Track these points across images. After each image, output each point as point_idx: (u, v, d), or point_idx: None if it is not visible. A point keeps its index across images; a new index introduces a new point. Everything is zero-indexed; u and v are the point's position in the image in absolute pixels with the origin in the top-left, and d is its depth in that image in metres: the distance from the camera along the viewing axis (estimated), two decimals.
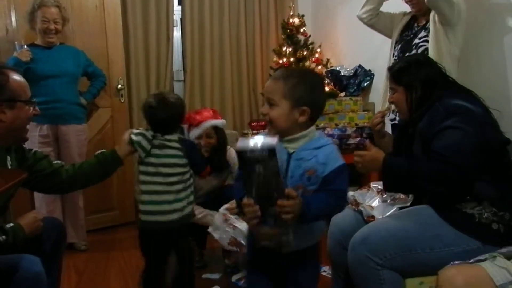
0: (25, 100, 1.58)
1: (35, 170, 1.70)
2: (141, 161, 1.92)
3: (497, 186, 1.46)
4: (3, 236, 1.45)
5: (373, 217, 1.63)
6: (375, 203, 1.69)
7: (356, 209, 1.74)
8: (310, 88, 1.34)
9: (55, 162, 1.83)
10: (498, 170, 1.49)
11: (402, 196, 1.69)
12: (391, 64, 1.97)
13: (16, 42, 2.74)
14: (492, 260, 1.20)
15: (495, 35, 2.24)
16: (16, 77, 1.57)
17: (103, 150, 1.92)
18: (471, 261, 1.26)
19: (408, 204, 1.63)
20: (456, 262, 1.24)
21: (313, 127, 1.38)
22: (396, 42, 2.38)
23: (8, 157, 1.58)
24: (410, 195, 1.65)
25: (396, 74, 1.69)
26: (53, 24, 2.78)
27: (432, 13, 2.14)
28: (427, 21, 2.23)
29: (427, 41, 2.16)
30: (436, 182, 1.43)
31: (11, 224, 1.51)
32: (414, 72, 1.64)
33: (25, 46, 2.72)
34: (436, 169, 1.42)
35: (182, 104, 1.98)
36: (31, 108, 1.61)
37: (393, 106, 1.78)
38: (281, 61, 3.55)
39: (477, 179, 1.44)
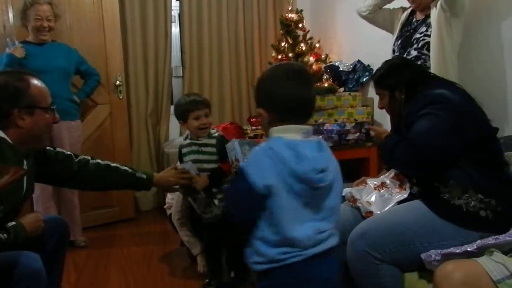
0: (44, 107, 1.56)
1: (57, 171, 1.75)
2: None
3: (481, 173, 1.47)
4: (5, 235, 1.44)
5: (371, 212, 1.64)
6: (373, 198, 1.69)
7: (353, 206, 1.74)
8: (263, 88, 1.24)
9: (81, 158, 1.84)
10: (483, 157, 1.50)
11: (398, 189, 1.70)
12: None
13: (8, 39, 2.73)
14: (489, 255, 1.21)
15: (493, 29, 2.23)
16: (37, 83, 1.56)
17: (146, 171, 1.93)
18: (458, 250, 1.28)
19: (405, 196, 1.64)
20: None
21: (276, 128, 1.20)
22: (397, 38, 2.37)
23: (25, 161, 1.56)
24: (407, 188, 1.66)
25: (378, 80, 1.77)
26: (46, 22, 2.76)
27: (434, 9, 2.14)
28: (427, 16, 2.22)
29: (427, 35, 2.15)
30: (404, 163, 1.57)
31: (13, 223, 1.51)
32: (395, 75, 1.71)
33: (17, 43, 2.70)
34: (404, 151, 1.53)
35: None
36: (51, 115, 1.60)
37: None
38: (279, 57, 3.54)
39: (455, 166, 1.47)
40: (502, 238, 1.27)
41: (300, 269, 1.14)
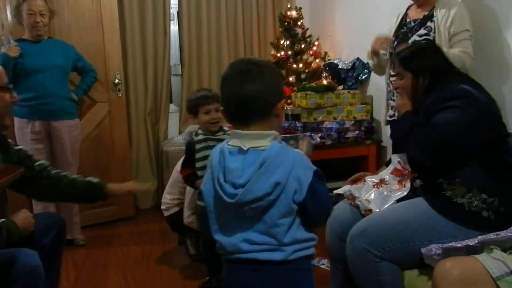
0: (2, 87, 1.55)
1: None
2: None
3: (489, 173, 1.46)
4: None
5: (370, 210, 1.63)
6: (372, 196, 1.69)
7: (352, 204, 1.74)
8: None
9: (39, 163, 1.79)
10: (493, 157, 1.48)
11: (397, 186, 1.69)
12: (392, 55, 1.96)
13: (3, 37, 2.71)
14: (489, 252, 1.20)
15: (491, 32, 2.23)
16: None
17: (98, 181, 1.86)
18: (459, 245, 1.27)
19: (405, 193, 1.63)
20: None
21: (230, 131, 1.21)
22: (393, 42, 2.37)
23: None
24: (407, 186, 1.65)
25: (405, 59, 1.67)
26: (39, 17, 2.70)
27: (438, 12, 2.15)
28: (425, 16, 2.22)
29: (427, 40, 2.15)
30: (417, 147, 1.51)
31: (2, 220, 1.50)
32: (423, 59, 1.64)
33: (12, 41, 2.67)
34: (423, 133, 1.48)
35: None
36: (9, 95, 1.58)
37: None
38: (278, 54, 3.54)
39: (465, 165, 1.45)
40: (504, 233, 1.26)
41: (230, 267, 1.18)
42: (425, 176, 1.57)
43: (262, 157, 1.08)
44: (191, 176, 2.14)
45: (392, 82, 2.34)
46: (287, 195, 1.09)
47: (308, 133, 1.34)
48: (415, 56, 1.65)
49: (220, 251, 1.19)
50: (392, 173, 1.74)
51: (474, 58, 2.11)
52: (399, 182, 1.70)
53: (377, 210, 1.62)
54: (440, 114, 1.48)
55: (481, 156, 1.47)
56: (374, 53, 2.39)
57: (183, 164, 2.22)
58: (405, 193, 1.63)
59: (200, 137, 2.15)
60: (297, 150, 1.20)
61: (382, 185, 1.71)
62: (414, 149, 1.54)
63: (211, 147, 2.07)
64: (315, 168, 1.14)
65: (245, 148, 1.12)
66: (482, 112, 1.46)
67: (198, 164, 2.12)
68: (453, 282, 1.15)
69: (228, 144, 1.16)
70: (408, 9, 2.38)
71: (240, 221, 1.13)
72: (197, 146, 2.14)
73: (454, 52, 2.02)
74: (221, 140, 2.02)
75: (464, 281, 1.15)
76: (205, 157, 2.06)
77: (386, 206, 1.62)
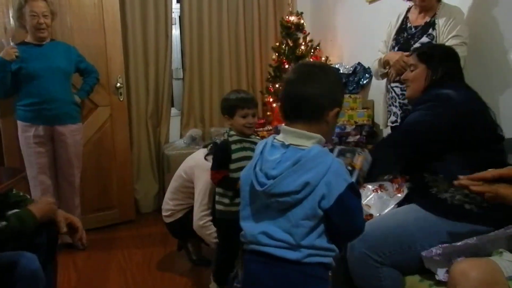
0: None
1: None
2: None
3: (473, 170, 1.45)
4: (3, 223, 1.43)
5: (371, 215, 1.63)
6: (372, 201, 1.69)
7: None
8: None
9: (21, 194, 1.72)
10: (479, 156, 1.49)
11: (395, 192, 1.70)
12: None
13: (3, 41, 2.71)
14: (499, 256, 1.21)
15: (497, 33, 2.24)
16: None
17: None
18: (458, 243, 1.28)
19: (403, 197, 1.64)
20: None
21: (281, 126, 1.27)
22: (392, 46, 2.37)
23: None
24: (405, 191, 1.66)
25: (424, 53, 1.70)
26: (42, 18, 2.70)
27: (440, 20, 2.16)
28: (426, 23, 2.22)
29: None
30: (389, 145, 1.61)
31: (15, 210, 1.49)
32: (443, 57, 1.67)
33: (11, 44, 2.66)
34: (388, 136, 1.62)
35: None
36: None
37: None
38: (280, 59, 3.55)
39: (449, 161, 1.48)
40: (501, 232, 1.26)
41: (247, 257, 1.21)
42: (413, 178, 1.60)
43: (299, 155, 1.10)
44: (226, 179, 2.00)
45: (394, 87, 2.35)
46: (314, 198, 1.09)
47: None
48: (436, 51, 1.71)
49: (242, 239, 1.22)
50: (391, 181, 1.75)
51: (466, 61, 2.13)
52: (397, 189, 1.71)
53: (378, 214, 1.62)
54: (410, 115, 1.58)
55: (467, 153, 1.49)
56: (386, 65, 2.34)
57: (216, 166, 2.05)
58: (402, 196, 1.64)
59: (235, 138, 2.04)
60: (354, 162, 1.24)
61: (381, 190, 1.72)
62: (388, 147, 1.60)
63: (246, 149, 2.03)
64: (351, 180, 1.13)
65: (286, 143, 1.15)
66: (458, 111, 1.49)
67: (234, 166, 2.00)
68: (472, 282, 1.14)
69: (275, 138, 1.20)
70: (408, 11, 2.38)
71: (267, 214, 1.16)
72: (233, 146, 2.02)
73: None
74: (255, 143, 2.00)
75: (483, 282, 1.14)
76: (241, 158, 1.99)
77: (386, 210, 1.62)
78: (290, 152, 1.14)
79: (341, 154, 1.34)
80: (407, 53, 2.16)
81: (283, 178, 1.09)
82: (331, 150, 1.37)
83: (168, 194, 2.58)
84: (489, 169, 1.22)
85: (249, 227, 1.19)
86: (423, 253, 1.38)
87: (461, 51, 2.05)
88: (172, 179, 2.58)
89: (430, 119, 1.50)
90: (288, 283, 1.13)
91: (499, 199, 1.19)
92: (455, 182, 1.24)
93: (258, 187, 1.14)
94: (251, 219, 1.20)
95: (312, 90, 1.15)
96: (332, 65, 3.51)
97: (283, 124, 1.21)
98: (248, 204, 1.21)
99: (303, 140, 1.14)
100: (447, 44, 2.12)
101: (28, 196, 1.74)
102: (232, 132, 2.05)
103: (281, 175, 1.10)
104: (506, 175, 1.18)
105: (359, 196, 1.15)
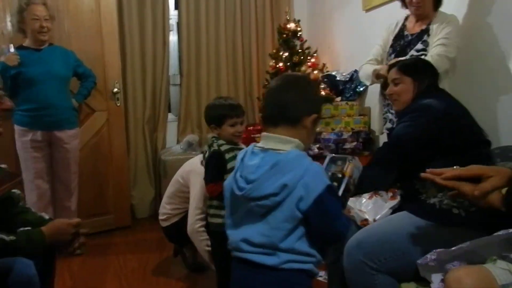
0: None
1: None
2: None
3: None
4: (11, 237, 1.43)
5: (366, 220, 1.64)
6: (366, 206, 1.71)
7: (348, 215, 1.74)
8: None
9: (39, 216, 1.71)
10: (465, 161, 1.49)
11: (390, 199, 1.71)
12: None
13: (3, 46, 2.71)
14: (493, 263, 1.21)
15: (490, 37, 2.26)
16: None
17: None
18: (453, 248, 1.28)
19: (396, 202, 1.66)
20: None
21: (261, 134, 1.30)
22: (389, 53, 2.39)
23: None
24: (399, 197, 1.68)
25: (408, 66, 1.76)
26: (44, 22, 2.72)
27: (434, 26, 2.18)
28: (422, 31, 2.24)
29: (425, 55, 2.17)
30: (375, 160, 1.65)
31: (27, 228, 1.48)
32: (426, 70, 1.74)
33: (12, 50, 2.67)
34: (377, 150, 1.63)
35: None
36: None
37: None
38: (277, 66, 3.56)
39: (432, 166, 1.45)
40: (495, 235, 1.27)
41: (233, 264, 1.25)
42: (404, 185, 1.63)
43: (276, 159, 1.14)
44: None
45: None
46: (292, 200, 1.12)
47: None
48: (419, 63, 1.78)
49: (228, 247, 1.26)
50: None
51: (454, 60, 2.19)
52: (392, 197, 1.72)
53: (372, 219, 1.63)
54: (395, 129, 1.65)
55: (455, 157, 1.49)
56: (378, 77, 2.32)
57: (211, 178, 1.92)
58: (395, 202, 1.66)
59: (226, 147, 1.94)
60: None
61: (376, 195, 1.73)
62: (376, 165, 1.63)
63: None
64: (328, 182, 1.15)
65: (265, 147, 1.20)
66: (439, 116, 1.54)
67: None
68: None
69: (255, 146, 1.25)
70: (406, 19, 2.40)
71: (248, 219, 1.19)
72: (227, 156, 1.92)
73: (430, 56, 2.10)
74: None
75: None
76: None
77: (380, 215, 1.63)
78: (268, 156, 1.17)
79: (332, 161, 1.36)
80: (384, 66, 2.21)
81: (262, 181, 1.13)
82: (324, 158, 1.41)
83: (165, 199, 2.60)
84: (455, 167, 1.24)
85: (232, 235, 1.23)
86: (419, 261, 1.38)
87: (446, 51, 2.11)
88: (170, 183, 2.60)
89: (412, 130, 1.56)
90: None
91: (461, 197, 1.22)
92: (421, 175, 1.25)
93: (238, 192, 1.18)
94: (234, 226, 1.23)
95: (290, 98, 1.21)
96: (329, 72, 3.54)
97: (263, 132, 1.26)
98: (231, 212, 1.25)
99: (281, 145, 1.18)
100: (433, 45, 2.16)
101: (47, 217, 1.70)
102: (221, 141, 1.95)
103: (259, 179, 1.14)
104: (465, 175, 1.20)
105: (336, 196, 1.19)
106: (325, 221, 1.14)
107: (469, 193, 1.17)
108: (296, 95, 1.22)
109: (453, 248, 1.30)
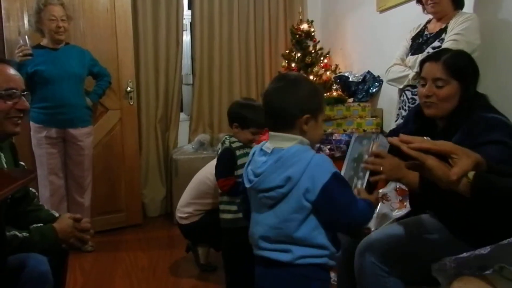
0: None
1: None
2: None
3: None
4: (25, 234, 1.45)
5: (368, 229, 1.62)
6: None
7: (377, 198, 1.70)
8: None
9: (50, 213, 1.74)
10: None
11: (398, 205, 1.68)
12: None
13: (19, 37, 2.73)
14: (499, 271, 1.19)
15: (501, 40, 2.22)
16: None
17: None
18: (471, 254, 1.25)
19: (404, 212, 1.61)
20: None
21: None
22: (409, 53, 2.38)
23: (1, 154, 1.54)
24: (408, 206, 1.63)
25: (455, 67, 1.46)
26: (61, 22, 2.76)
27: (451, 22, 2.15)
28: (441, 29, 2.22)
29: None
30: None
31: (39, 225, 1.51)
32: (474, 75, 1.50)
33: (28, 41, 2.64)
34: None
35: None
36: (9, 101, 1.47)
37: None
38: (290, 66, 3.55)
39: None
40: None
41: (256, 262, 1.31)
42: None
43: (280, 154, 1.21)
44: (238, 184, 1.93)
45: (406, 91, 2.34)
46: (298, 192, 1.18)
47: (382, 134, 1.29)
48: (469, 65, 1.49)
49: (250, 241, 1.34)
50: (396, 190, 1.73)
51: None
52: (401, 201, 1.69)
53: (373, 229, 1.60)
54: (490, 153, 1.24)
55: None
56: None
57: (222, 173, 2.04)
58: (404, 212, 1.61)
59: (237, 144, 2.07)
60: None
61: (384, 200, 1.70)
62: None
63: (248, 154, 2.02)
64: (334, 170, 1.19)
65: (271, 147, 1.25)
66: None
67: (240, 171, 1.97)
68: None
69: (264, 144, 1.31)
70: (429, 22, 2.38)
71: (261, 213, 1.27)
72: (237, 152, 2.05)
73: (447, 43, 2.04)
74: None
75: None
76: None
77: (383, 225, 1.61)
78: (274, 152, 1.24)
79: (358, 141, 1.36)
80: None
81: (267, 174, 1.21)
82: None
83: (187, 198, 2.53)
84: (425, 137, 1.16)
85: (252, 233, 1.31)
86: (436, 266, 1.34)
87: (457, 47, 1.92)
88: (193, 184, 2.56)
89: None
90: (283, 284, 1.22)
91: (426, 170, 1.12)
92: (389, 139, 1.19)
93: (248, 184, 1.27)
94: (254, 223, 1.30)
95: (279, 103, 1.25)
96: (342, 73, 3.52)
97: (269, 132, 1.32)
98: (252, 209, 1.33)
99: (284, 142, 1.23)
100: (445, 41, 2.10)
101: (57, 215, 1.72)
102: (233, 139, 2.07)
103: (265, 172, 1.22)
104: (434, 150, 1.11)
105: (344, 183, 1.22)
106: (335, 209, 1.17)
107: (444, 177, 1.09)
108: (285, 99, 1.24)
109: (471, 255, 1.26)
